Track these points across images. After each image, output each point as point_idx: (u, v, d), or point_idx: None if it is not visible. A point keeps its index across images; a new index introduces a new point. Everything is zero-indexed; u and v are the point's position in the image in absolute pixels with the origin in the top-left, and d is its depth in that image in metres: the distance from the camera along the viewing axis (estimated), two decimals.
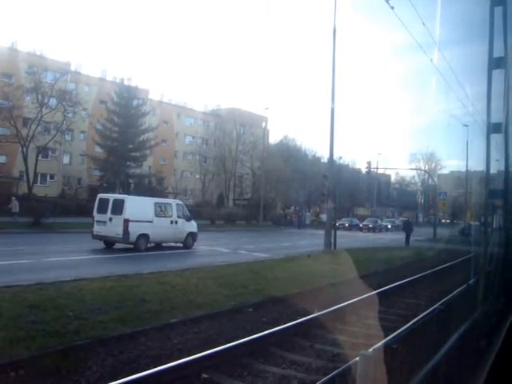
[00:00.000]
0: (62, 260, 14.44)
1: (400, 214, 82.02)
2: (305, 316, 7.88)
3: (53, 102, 37.22)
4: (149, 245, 18.82)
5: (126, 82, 45.25)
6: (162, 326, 7.02)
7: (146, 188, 46.09)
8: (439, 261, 18.27)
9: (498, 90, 5.00)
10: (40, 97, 35.95)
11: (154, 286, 9.76)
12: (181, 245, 20.30)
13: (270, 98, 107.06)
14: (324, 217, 34.16)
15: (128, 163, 44.53)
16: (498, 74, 4.91)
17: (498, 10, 4.91)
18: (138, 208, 18.74)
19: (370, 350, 3.29)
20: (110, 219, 18.13)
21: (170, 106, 58.89)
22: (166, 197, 49.10)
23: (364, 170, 51.39)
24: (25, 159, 36.10)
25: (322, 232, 23.08)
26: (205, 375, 5.30)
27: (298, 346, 6.78)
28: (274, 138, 64.08)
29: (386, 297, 10.25)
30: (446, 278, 13.67)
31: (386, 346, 3.70)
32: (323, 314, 7.97)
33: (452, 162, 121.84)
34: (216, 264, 14.36)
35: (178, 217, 20.17)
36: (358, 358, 3.09)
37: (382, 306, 9.17)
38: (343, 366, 4.43)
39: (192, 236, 20.63)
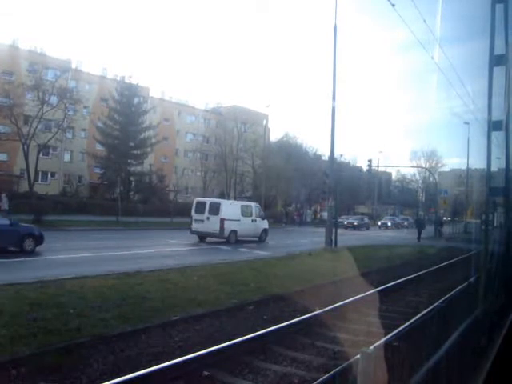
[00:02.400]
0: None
1: (401, 211, 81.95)
2: (306, 314, 7.89)
3: (54, 99, 37.14)
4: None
5: (126, 80, 45.22)
6: (163, 324, 7.04)
7: (146, 186, 46.20)
8: (440, 259, 18.27)
9: (499, 87, 4.99)
10: (41, 94, 35.88)
11: (156, 284, 9.78)
12: (256, 239, 24.41)
13: (271, 95, 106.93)
14: (324, 214, 34.33)
15: (129, 161, 44.51)
16: (498, 72, 4.90)
17: (500, 8, 4.89)
18: (230, 209, 23.20)
19: (371, 347, 3.30)
20: (208, 218, 22.39)
21: (170, 103, 58.85)
22: (167, 194, 49.42)
23: (365, 168, 51.04)
24: (26, 157, 36.07)
25: (322, 230, 23.09)
26: (206, 372, 5.32)
27: (298, 344, 6.79)
28: (274, 136, 64.06)
29: (386, 294, 10.26)
30: (447, 276, 13.68)
31: (387, 343, 3.71)
32: (324, 312, 7.98)
33: (453, 160, 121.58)
34: (217, 262, 14.37)
35: (256, 216, 24.72)
36: (358, 356, 3.10)
37: (383, 304, 9.18)
38: (344, 364, 4.44)
39: (265, 232, 25.22)
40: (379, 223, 55.31)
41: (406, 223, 59.19)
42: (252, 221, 24.35)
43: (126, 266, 12.43)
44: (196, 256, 17.27)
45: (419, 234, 33.02)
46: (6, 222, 15.14)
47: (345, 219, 47.93)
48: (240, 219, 23.32)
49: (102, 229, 26.20)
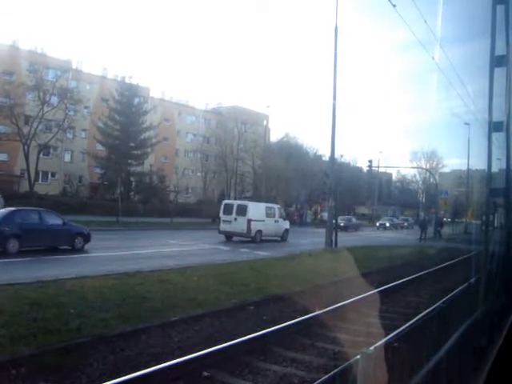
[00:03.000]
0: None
1: (401, 212, 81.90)
2: (306, 314, 7.88)
3: (54, 99, 37.17)
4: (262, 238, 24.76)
5: (127, 80, 45.23)
6: (163, 324, 7.03)
7: (147, 186, 46.20)
8: (440, 259, 18.25)
9: (500, 88, 4.99)
10: (41, 95, 35.90)
11: (156, 284, 9.77)
12: (278, 238, 26.26)
13: (272, 96, 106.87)
14: (324, 215, 34.33)
15: (129, 161, 44.51)
16: (499, 72, 4.90)
17: (500, 8, 4.89)
18: (256, 211, 24.84)
19: (371, 348, 3.29)
20: (235, 219, 24.10)
21: (171, 104, 58.85)
22: (167, 194, 49.42)
23: (365, 169, 50.84)
24: (26, 157, 36.09)
25: (322, 230, 23.08)
26: (206, 373, 5.31)
27: (298, 344, 6.78)
28: (275, 136, 64.01)
29: (387, 295, 10.25)
30: (448, 277, 13.66)
31: (387, 344, 3.70)
32: (324, 312, 7.97)
33: (453, 161, 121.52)
34: (217, 262, 14.36)
35: (279, 217, 26.49)
36: (359, 356, 3.10)
37: (383, 305, 9.17)
38: (344, 364, 4.43)
39: (286, 231, 26.94)
40: (377, 224, 54.05)
41: (405, 224, 58.51)
42: (275, 221, 26.12)
43: (126, 266, 12.43)
44: (196, 256, 17.25)
45: (424, 234, 33.63)
46: (59, 221, 16.50)
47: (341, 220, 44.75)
48: (265, 220, 25.06)
49: (102, 229, 26.19)
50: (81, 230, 17.27)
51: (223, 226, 24.75)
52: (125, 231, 26.74)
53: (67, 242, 16.47)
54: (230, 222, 24.39)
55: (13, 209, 16.42)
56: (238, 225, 24.02)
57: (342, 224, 42.32)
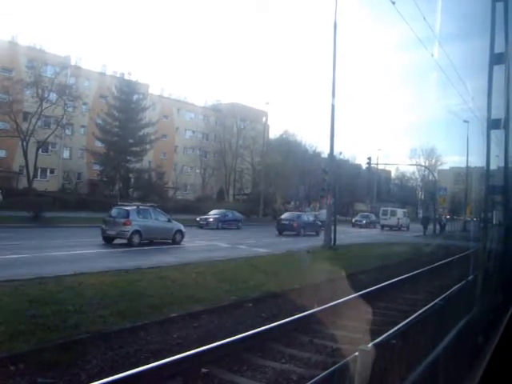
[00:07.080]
0: None
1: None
2: (304, 311, 7.89)
3: (53, 96, 37.14)
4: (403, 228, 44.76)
5: (126, 77, 45.13)
6: (161, 321, 7.04)
7: (146, 183, 46.17)
8: (438, 256, 18.26)
9: (499, 85, 4.99)
10: (40, 91, 35.86)
11: (155, 281, 9.78)
12: (405, 229, 46.18)
13: (271, 93, 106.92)
14: (323, 212, 34.95)
15: (128, 158, 44.47)
16: (498, 70, 4.89)
17: (500, 6, 4.88)
18: (400, 213, 47.57)
19: (369, 345, 3.31)
20: (389, 218, 45.72)
21: (170, 100, 58.74)
22: (166, 191, 49.40)
23: (364, 166, 50.95)
24: (25, 153, 36.06)
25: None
26: (204, 370, 5.32)
27: (297, 341, 6.79)
28: (274, 133, 63.99)
29: (385, 292, 10.27)
30: (446, 273, 13.68)
31: (385, 341, 3.72)
32: (322, 310, 7.99)
33: (452, 158, 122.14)
34: (216, 259, 14.38)
35: (407, 217, 50.97)
36: (357, 353, 3.11)
37: (382, 302, 9.19)
38: (342, 361, 4.45)
39: (409, 224, 48.50)
40: (353, 220, 50.46)
41: (364, 222, 49.52)
42: (406, 219, 48.06)
43: (125, 262, 12.44)
44: (195, 253, 17.28)
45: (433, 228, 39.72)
46: (312, 218, 32.80)
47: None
48: (403, 218, 46.89)
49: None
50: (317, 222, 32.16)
51: (382, 222, 45.69)
52: None
53: (315, 231, 30.50)
54: (386, 219, 45.49)
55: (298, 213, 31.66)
56: (391, 221, 45.29)
57: (364, 222, 49.92)
